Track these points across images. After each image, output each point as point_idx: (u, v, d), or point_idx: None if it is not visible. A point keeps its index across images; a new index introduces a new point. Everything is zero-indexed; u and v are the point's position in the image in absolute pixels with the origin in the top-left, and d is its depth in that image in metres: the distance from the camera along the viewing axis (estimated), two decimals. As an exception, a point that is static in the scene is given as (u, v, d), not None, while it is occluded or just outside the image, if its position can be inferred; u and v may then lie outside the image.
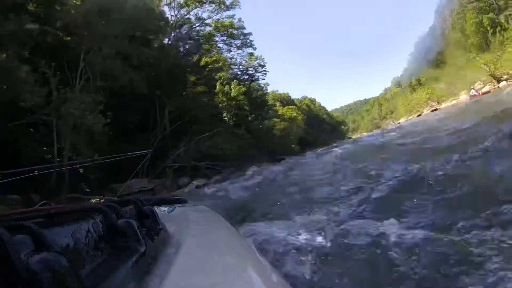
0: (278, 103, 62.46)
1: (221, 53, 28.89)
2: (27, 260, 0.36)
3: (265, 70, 33.50)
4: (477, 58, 37.37)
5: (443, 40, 50.45)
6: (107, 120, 12.36)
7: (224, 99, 30.86)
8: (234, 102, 31.24)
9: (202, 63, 28.15)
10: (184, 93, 22.16)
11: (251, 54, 29.78)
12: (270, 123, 41.88)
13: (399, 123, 53.46)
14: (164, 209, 1.21)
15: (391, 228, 2.82)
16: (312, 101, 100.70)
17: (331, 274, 2.35)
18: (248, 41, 27.76)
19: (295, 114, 56.10)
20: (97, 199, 13.64)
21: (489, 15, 38.09)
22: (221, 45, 27.20)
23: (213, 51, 27.04)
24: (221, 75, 32.65)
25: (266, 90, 46.37)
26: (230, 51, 28.30)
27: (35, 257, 0.37)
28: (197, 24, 24.10)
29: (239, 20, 26.23)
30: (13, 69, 9.95)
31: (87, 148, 11.47)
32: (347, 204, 4.19)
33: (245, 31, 27.05)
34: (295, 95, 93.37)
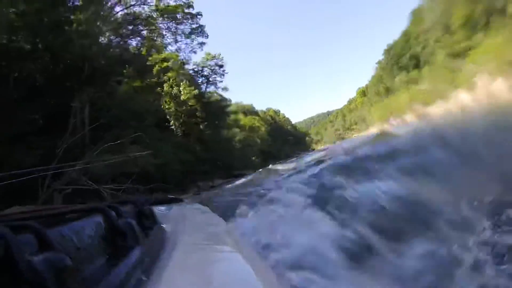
0: (240, 114, 58.19)
1: (165, 43, 23.49)
2: (32, 260, 0.37)
3: (224, 71, 28.70)
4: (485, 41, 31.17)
5: (419, 42, 46.87)
6: None
7: (172, 104, 25.46)
8: (184, 107, 25.93)
9: (150, 59, 22.73)
10: (109, 87, 16.63)
11: (202, 43, 24.72)
12: (230, 133, 37.10)
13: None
14: (162, 208, 1.34)
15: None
16: (277, 112, 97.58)
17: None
18: (197, 26, 22.58)
19: (257, 124, 51.89)
20: None
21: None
22: (164, 33, 21.79)
23: (155, 40, 21.60)
24: (170, 75, 27.33)
25: (230, 100, 41.05)
26: (176, 41, 22.96)
27: (40, 257, 0.38)
28: (134, 3, 18.70)
29: (188, -1, 20.92)
30: None
31: None
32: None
33: (192, 11, 21.66)
34: (260, 107, 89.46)
